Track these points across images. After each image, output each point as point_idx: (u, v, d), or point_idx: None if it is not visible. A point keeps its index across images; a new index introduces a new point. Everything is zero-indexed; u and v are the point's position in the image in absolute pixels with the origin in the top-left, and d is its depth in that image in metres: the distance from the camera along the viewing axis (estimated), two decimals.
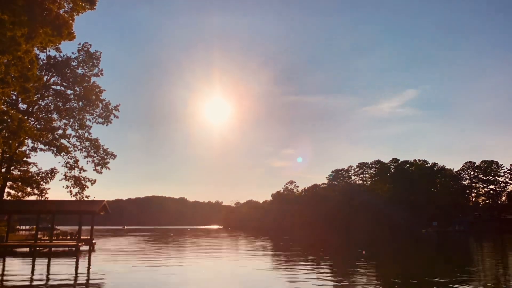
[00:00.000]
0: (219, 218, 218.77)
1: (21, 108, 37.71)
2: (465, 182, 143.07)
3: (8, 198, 38.25)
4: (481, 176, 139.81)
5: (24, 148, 35.02)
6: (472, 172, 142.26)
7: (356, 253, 35.46)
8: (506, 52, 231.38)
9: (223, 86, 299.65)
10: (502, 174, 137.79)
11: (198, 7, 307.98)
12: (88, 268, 21.77)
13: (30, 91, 18.78)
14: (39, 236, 39.58)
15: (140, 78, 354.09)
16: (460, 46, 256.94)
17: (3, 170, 36.25)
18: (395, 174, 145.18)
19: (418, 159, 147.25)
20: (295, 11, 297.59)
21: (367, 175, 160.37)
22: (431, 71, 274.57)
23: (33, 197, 39.29)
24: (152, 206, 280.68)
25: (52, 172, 39.52)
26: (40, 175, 39.33)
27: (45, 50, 33.26)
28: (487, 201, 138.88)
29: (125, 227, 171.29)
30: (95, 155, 39.92)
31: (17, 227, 62.43)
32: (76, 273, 19.53)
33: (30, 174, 39.22)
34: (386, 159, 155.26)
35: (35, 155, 48.73)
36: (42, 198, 39.14)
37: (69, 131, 40.25)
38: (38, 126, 38.44)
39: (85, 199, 39.10)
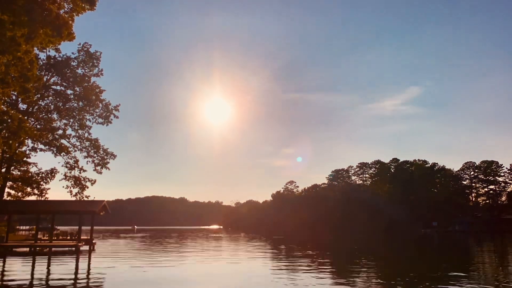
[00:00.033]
0: (219, 218, 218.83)
1: (21, 108, 37.77)
2: (465, 182, 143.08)
3: (8, 198, 38.28)
4: (481, 176, 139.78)
5: (24, 148, 35.08)
6: (472, 172, 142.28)
7: (355, 253, 35.49)
8: (506, 52, 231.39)
9: (223, 86, 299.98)
10: (502, 174, 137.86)
11: (198, 7, 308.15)
12: (88, 268, 21.79)
13: (30, 91, 18.81)
14: (39, 236, 39.59)
15: (140, 78, 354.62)
16: (461, 46, 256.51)
17: (3, 170, 36.28)
18: (395, 174, 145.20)
19: (418, 159, 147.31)
20: (295, 10, 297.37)
21: (367, 175, 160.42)
22: (434, 69, 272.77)
23: (33, 197, 39.39)
24: (152, 206, 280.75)
25: (52, 172, 39.57)
26: (40, 175, 39.39)
27: (45, 50, 33.25)
28: (487, 201, 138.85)
29: (135, 227, 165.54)
30: (95, 155, 39.97)
31: (17, 227, 62.34)
32: (76, 273, 19.54)
33: (30, 174, 39.26)
34: (387, 158, 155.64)
35: (35, 155, 48.73)
36: (42, 198, 39.19)
37: (69, 131, 40.37)
38: (38, 126, 38.46)
39: (85, 199, 39.16)
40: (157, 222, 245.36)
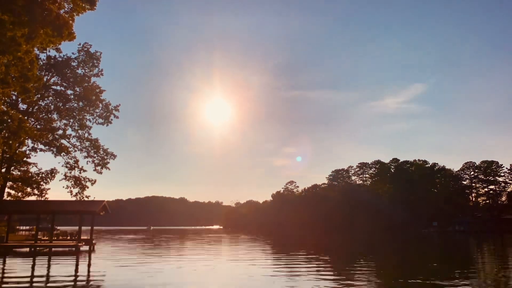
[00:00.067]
0: (219, 218, 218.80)
1: (21, 108, 37.76)
2: (465, 182, 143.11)
3: (8, 198, 38.28)
4: (481, 176, 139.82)
5: (24, 148, 35.08)
6: (472, 172, 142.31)
7: (355, 253, 35.49)
8: (506, 52, 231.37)
9: (223, 85, 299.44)
10: (502, 174, 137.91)
11: (198, 7, 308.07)
12: (88, 268, 21.79)
13: (30, 91, 18.80)
14: (39, 236, 39.61)
15: (140, 78, 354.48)
16: (462, 45, 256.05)
17: (3, 170, 36.27)
18: (395, 174, 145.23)
19: (418, 159, 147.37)
20: (295, 8, 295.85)
21: (367, 175, 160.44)
22: (437, 66, 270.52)
23: (33, 197, 39.37)
24: (152, 206, 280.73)
25: (52, 172, 39.56)
26: (40, 175, 39.37)
27: (45, 51, 33.27)
28: (487, 201, 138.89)
29: (151, 227, 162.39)
30: (95, 155, 39.96)
31: (17, 227, 62.33)
32: (76, 273, 19.54)
33: (30, 174, 39.25)
34: (388, 158, 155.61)
35: (35, 155, 48.83)
36: (42, 198, 39.17)
37: (69, 131, 40.36)
38: (38, 126, 38.46)
39: (85, 199, 39.15)
40: (157, 222, 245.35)
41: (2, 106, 22.00)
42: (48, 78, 39.81)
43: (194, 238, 64.65)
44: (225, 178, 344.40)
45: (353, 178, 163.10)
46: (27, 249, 33.81)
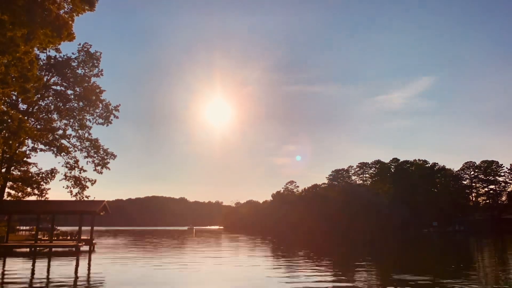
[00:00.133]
0: (219, 218, 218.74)
1: (21, 109, 37.76)
2: (465, 182, 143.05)
3: (8, 198, 38.30)
4: (481, 176, 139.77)
5: (24, 148, 35.10)
6: (472, 172, 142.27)
7: (355, 253, 35.49)
8: (506, 52, 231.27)
9: (223, 85, 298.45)
10: (502, 174, 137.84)
11: (198, 7, 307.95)
12: (88, 268, 21.81)
13: (30, 91, 18.82)
14: (39, 237, 39.65)
15: (140, 78, 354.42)
16: (463, 44, 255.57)
17: (3, 170, 36.30)
18: (395, 174, 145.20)
19: (418, 159, 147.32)
20: (296, 2, 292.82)
21: (367, 175, 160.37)
22: (444, 60, 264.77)
23: (33, 197, 39.40)
24: (152, 206, 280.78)
25: (52, 172, 39.59)
26: (40, 175, 39.40)
27: (45, 51, 33.29)
28: (487, 201, 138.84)
29: (194, 227, 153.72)
30: (95, 155, 39.97)
31: (17, 227, 62.40)
32: (76, 273, 19.57)
33: (30, 174, 39.28)
34: (389, 156, 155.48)
35: (35, 156, 48.84)
36: (42, 198, 39.20)
37: (69, 131, 40.35)
38: (38, 127, 38.48)
39: (85, 199, 39.16)
40: (157, 222, 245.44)
41: (2, 106, 22.02)
42: (48, 78, 39.83)
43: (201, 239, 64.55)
44: (225, 178, 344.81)
45: (353, 178, 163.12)
46: (27, 249, 33.84)
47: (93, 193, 73.14)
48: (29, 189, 38.90)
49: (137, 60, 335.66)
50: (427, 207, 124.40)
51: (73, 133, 40.33)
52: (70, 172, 39.38)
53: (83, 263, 24.75)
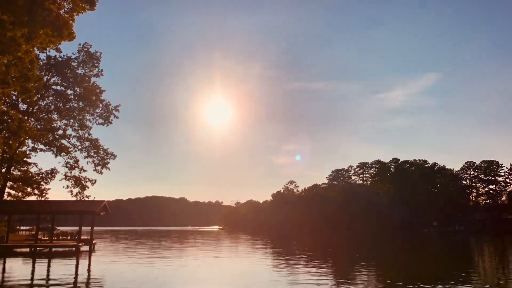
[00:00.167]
0: (219, 218, 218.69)
1: (21, 109, 37.77)
2: (465, 182, 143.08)
3: (9, 198, 38.31)
4: (481, 176, 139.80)
5: (24, 148, 35.11)
6: (472, 172, 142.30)
7: (355, 253, 35.45)
8: (506, 52, 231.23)
9: (223, 85, 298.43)
10: (503, 174, 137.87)
11: (198, 7, 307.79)
12: (89, 268, 21.79)
13: (30, 91, 18.80)
14: (39, 237, 39.63)
15: (140, 78, 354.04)
16: (463, 44, 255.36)
17: (3, 170, 36.29)
18: (395, 174, 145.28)
19: (418, 159, 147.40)
20: (296, 5, 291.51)
21: (367, 175, 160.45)
22: (443, 60, 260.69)
23: (33, 197, 39.40)
24: (152, 206, 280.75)
25: (52, 172, 39.59)
26: (40, 175, 39.40)
27: (45, 51, 33.26)
28: (487, 201, 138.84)
29: (226, 227, 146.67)
30: (95, 155, 39.98)
31: (17, 227, 62.37)
32: (76, 273, 19.55)
33: (30, 174, 39.28)
34: (390, 155, 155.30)
35: (35, 155, 48.83)
36: (42, 198, 39.19)
37: (69, 131, 40.40)
38: (38, 127, 38.48)
39: (86, 199, 39.17)
40: (158, 222, 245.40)
41: (2, 106, 22.01)
42: (48, 78, 39.83)
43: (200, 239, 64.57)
44: (225, 178, 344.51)
45: (353, 178, 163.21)
46: (27, 249, 33.83)
47: (93, 193, 72.91)
48: (29, 189, 38.90)
49: (137, 60, 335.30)
50: (427, 207, 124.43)
51: (73, 133, 40.41)
52: (70, 172, 39.41)
53: (83, 263, 24.74)
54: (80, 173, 39.61)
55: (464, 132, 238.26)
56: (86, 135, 40.31)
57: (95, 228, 39.93)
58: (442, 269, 21.57)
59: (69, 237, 41.59)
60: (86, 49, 39.71)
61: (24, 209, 39.02)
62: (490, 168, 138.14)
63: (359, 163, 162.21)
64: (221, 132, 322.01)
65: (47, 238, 40.32)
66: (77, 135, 40.31)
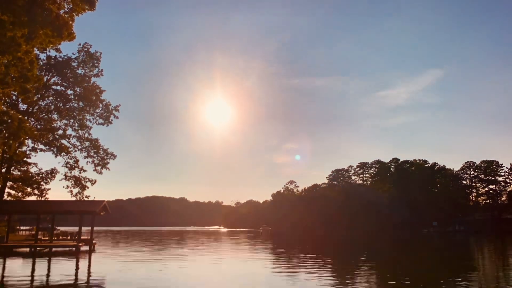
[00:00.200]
0: (219, 218, 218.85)
1: (21, 109, 37.75)
2: (465, 182, 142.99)
3: (9, 198, 38.31)
4: (482, 176, 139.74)
5: (24, 148, 35.05)
6: (472, 172, 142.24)
7: (355, 253, 35.44)
8: (506, 52, 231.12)
9: (223, 84, 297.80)
10: (503, 173, 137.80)
11: (198, 7, 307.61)
12: (89, 268, 21.80)
13: (30, 91, 18.82)
14: (39, 237, 39.64)
15: (140, 78, 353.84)
16: (463, 44, 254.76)
17: (3, 170, 36.30)
18: (395, 174, 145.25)
19: (418, 159, 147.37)
20: (297, 5, 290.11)
21: (367, 175, 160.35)
22: (442, 59, 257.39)
23: (33, 197, 39.41)
24: (152, 206, 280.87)
25: (52, 173, 39.59)
26: (40, 175, 39.41)
27: (45, 51, 33.27)
28: (488, 201, 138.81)
29: (268, 228, 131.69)
30: (95, 155, 39.98)
31: (17, 227, 62.41)
32: (77, 273, 19.55)
33: (30, 174, 39.28)
34: (391, 153, 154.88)
35: (35, 156, 48.78)
36: (42, 198, 39.20)
37: (69, 131, 40.39)
38: (38, 127, 38.47)
39: (85, 199, 39.17)
40: (158, 222, 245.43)
41: (2, 106, 22.01)
42: (48, 78, 39.82)
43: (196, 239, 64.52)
44: (225, 178, 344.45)
45: (353, 178, 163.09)
46: (27, 249, 33.83)
47: (93, 193, 73.04)
48: (29, 189, 38.90)
49: (137, 60, 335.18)
50: (427, 207, 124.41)
51: (73, 133, 40.41)
52: (70, 172, 39.41)
53: (83, 263, 24.74)
54: (80, 173, 39.66)
55: (464, 132, 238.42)
56: (86, 135, 40.34)
57: (95, 228, 39.95)
58: (442, 269, 21.58)
59: (69, 237, 41.59)
60: (86, 49, 39.72)
61: (24, 209, 39.04)
62: (490, 168, 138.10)
63: (359, 163, 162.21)
64: (221, 132, 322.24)
65: (47, 238, 40.32)
66: (77, 135, 40.34)
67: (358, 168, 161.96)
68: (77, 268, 21.76)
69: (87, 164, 40.00)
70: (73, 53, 39.78)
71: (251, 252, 35.32)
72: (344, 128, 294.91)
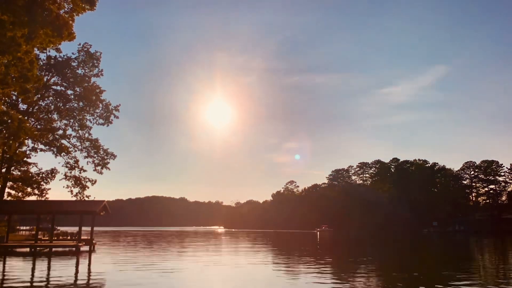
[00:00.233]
0: (219, 219, 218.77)
1: (21, 109, 37.76)
2: (465, 182, 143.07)
3: (9, 198, 38.31)
4: (482, 176, 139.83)
5: (24, 148, 35.08)
6: (472, 172, 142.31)
7: (355, 253, 35.42)
8: (506, 52, 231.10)
9: (223, 84, 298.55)
10: (503, 173, 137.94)
11: (198, 7, 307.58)
12: (89, 268, 21.80)
13: (30, 91, 18.83)
14: (39, 237, 39.64)
15: (140, 78, 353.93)
16: (463, 43, 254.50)
17: (4, 170, 36.30)
18: (395, 174, 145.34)
19: (418, 159, 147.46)
20: (298, 4, 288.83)
21: (367, 175, 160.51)
22: (441, 59, 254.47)
23: (33, 197, 39.42)
24: (152, 206, 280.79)
25: (52, 172, 39.60)
26: (41, 175, 39.42)
27: (45, 51, 33.26)
28: (488, 201, 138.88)
29: (329, 229, 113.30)
30: (95, 155, 39.98)
31: (18, 227, 62.44)
32: (77, 273, 19.55)
33: (30, 174, 39.29)
34: (391, 152, 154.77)
35: (35, 156, 48.83)
36: (42, 198, 39.20)
37: (69, 131, 40.41)
38: (38, 127, 38.48)
39: (86, 199, 39.17)
40: (157, 223, 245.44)
41: (2, 106, 22.01)
42: (48, 78, 39.82)
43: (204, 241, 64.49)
44: (225, 178, 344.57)
45: (353, 178, 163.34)
46: (27, 249, 33.82)
47: (93, 193, 73.03)
48: (29, 189, 38.91)
49: (137, 60, 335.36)
50: (427, 207, 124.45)
51: (73, 133, 40.42)
52: (70, 172, 39.41)
53: (83, 263, 24.74)
54: (80, 173, 39.66)
55: (464, 132, 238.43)
56: (86, 135, 40.35)
57: (95, 228, 39.95)
58: (442, 269, 21.58)
59: (69, 237, 41.59)
60: (86, 49, 39.72)
61: (24, 209, 39.04)
62: (490, 168, 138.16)
63: (359, 163, 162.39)
64: (221, 132, 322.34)
65: (47, 238, 40.32)
66: (77, 135, 40.34)
67: (358, 168, 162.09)
68: (77, 268, 21.75)
69: (87, 164, 40.06)
70: (73, 53, 39.86)
71: (251, 252, 35.26)
72: (344, 128, 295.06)
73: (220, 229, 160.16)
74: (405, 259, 29.93)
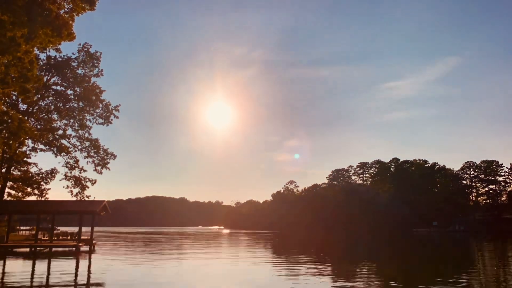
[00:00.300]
0: (219, 219, 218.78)
1: (21, 109, 37.75)
2: (465, 182, 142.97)
3: (9, 198, 38.30)
4: (482, 176, 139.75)
5: (24, 148, 35.05)
6: (472, 172, 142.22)
7: (355, 253, 35.43)
8: (506, 52, 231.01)
9: (223, 84, 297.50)
10: (503, 173, 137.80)
11: (199, 7, 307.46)
12: (89, 268, 21.80)
13: (30, 91, 18.81)
14: (39, 237, 39.64)
15: (140, 78, 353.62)
16: (462, 43, 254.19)
17: (4, 170, 36.28)
18: (395, 174, 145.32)
19: (418, 159, 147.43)
20: (298, 4, 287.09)
21: (367, 175, 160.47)
22: (441, 59, 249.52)
23: (33, 197, 39.40)
24: (152, 206, 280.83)
25: (52, 172, 39.59)
26: (41, 175, 39.40)
27: (45, 51, 33.26)
28: (488, 201, 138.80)
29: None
30: (95, 155, 39.98)
31: (18, 227, 62.38)
32: (77, 273, 19.55)
33: (30, 174, 39.27)
34: (391, 151, 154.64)
35: (35, 156, 48.85)
36: (42, 198, 39.19)
37: (69, 131, 40.39)
38: (38, 127, 38.48)
39: (86, 199, 39.17)
40: (157, 223, 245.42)
41: (2, 106, 22.01)
42: (48, 78, 39.82)
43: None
44: (225, 178, 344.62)
45: (353, 177, 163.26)
46: (27, 249, 33.83)
47: (93, 193, 73.08)
48: (29, 189, 38.90)
49: (137, 60, 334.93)
50: (427, 207, 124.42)
51: (73, 133, 40.41)
52: (70, 172, 39.41)
53: (83, 263, 24.74)
54: (80, 173, 39.65)
55: (464, 132, 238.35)
56: (86, 135, 40.34)
57: (95, 228, 39.94)
58: (442, 269, 21.59)
59: (69, 237, 41.59)
60: (86, 49, 39.71)
61: (24, 209, 39.04)
62: (490, 168, 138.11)
63: (359, 163, 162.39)
64: (221, 132, 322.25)
65: (47, 238, 40.33)
66: (77, 135, 40.33)
67: (358, 168, 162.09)
68: (77, 268, 21.76)
69: (87, 164, 40.05)
70: (73, 53, 39.84)
71: (251, 252, 35.22)
72: (345, 127, 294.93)
73: (225, 230, 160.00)
74: (405, 259, 29.93)
